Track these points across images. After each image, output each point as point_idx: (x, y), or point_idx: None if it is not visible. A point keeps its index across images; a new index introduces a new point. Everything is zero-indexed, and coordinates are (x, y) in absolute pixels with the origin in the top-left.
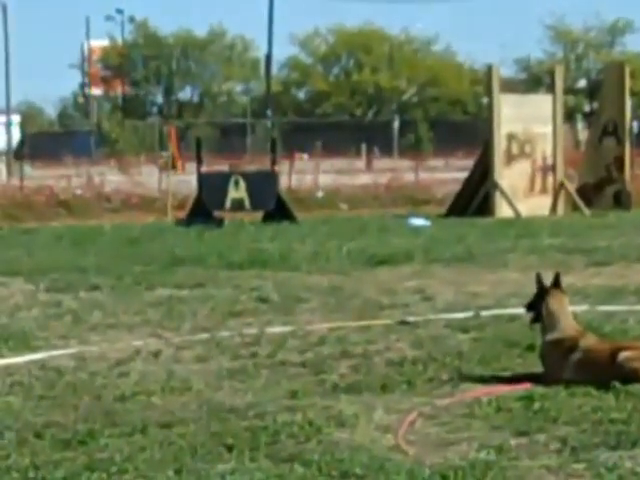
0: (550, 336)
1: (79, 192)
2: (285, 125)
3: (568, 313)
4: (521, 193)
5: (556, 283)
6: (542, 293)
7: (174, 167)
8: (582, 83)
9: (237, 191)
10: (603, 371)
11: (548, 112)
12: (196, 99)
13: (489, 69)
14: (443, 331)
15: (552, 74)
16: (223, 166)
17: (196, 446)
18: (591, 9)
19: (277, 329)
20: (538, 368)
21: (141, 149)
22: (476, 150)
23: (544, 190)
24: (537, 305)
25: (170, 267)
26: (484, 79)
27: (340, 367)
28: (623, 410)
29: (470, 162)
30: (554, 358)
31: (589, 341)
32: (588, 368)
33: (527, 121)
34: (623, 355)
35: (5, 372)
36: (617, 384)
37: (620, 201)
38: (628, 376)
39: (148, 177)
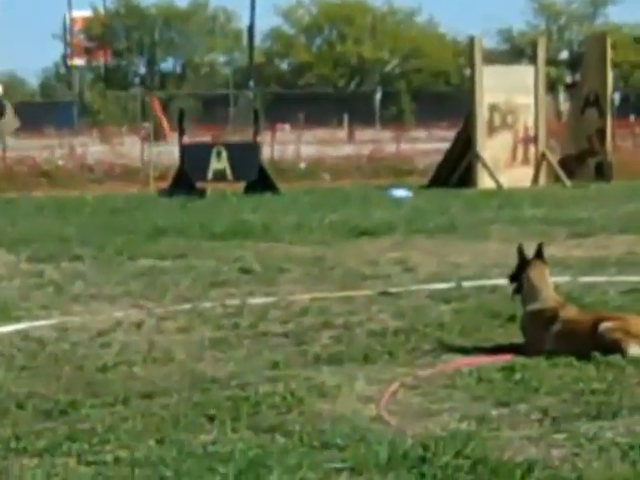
0: (531, 307)
1: (61, 163)
2: (268, 96)
3: (549, 284)
4: (503, 164)
5: (539, 254)
6: (523, 264)
7: (156, 138)
8: (564, 54)
9: (219, 162)
10: (584, 342)
11: (530, 83)
12: (179, 70)
13: (472, 40)
14: (425, 302)
15: (534, 45)
16: (205, 137)
17: (178, 416)
18: None
19: (259, 300)
20: (519, 339)
21: (123, 120)
22: (459, 121)
23: (526, 161)
24: (519, 276)
25: (152, 238)
26: (467, 50)
27: (322, 338)
28: (604, 381)
29: (452, 133)
30: (535, 329)
31: (570, 312)
32: (569, 339)
33: (509, 92)
34: (604, 326)
35: None
36: (598, 355)
37: (602, 172)
38: (609, 347)
39: (130, 148)
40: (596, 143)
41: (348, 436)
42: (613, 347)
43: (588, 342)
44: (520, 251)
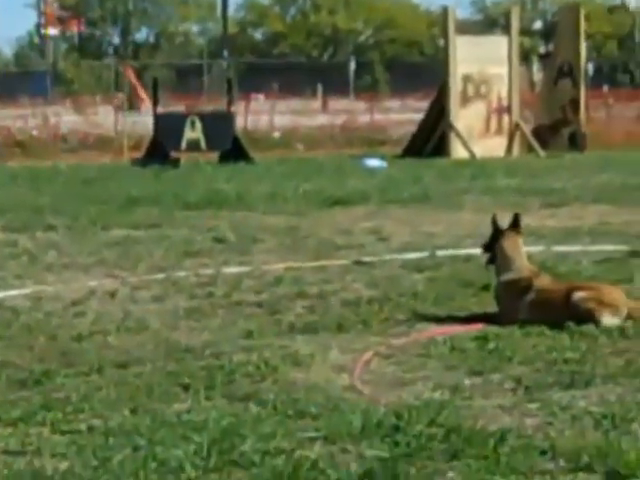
0: (505, 277)
1: (35, 132)
2: (241, 66)
3: (522, 254)
4: (476, 134)
5: (515, 224)
6: (497, 234)
7: (130, 108)
8: (538, 25)
9: (193, 132)
10: (557, 311)
11: (504, 54)
12: (152, 40)
13: (445, 11)
14: (398, 271)
15: (508, 15)
16: (179, 107)
17: (152, 385)
18: None
19: (233, 269)
20: (493, 308)
21: (97, 89)
22: (432, 91)
23: (499, 131)
24: (492, 246)
25: (126, 207)
26: (440, 21)
27: (296, 307)
28: (577, 350)
29: (426, 103)
30: (509, 298)
31: (543, 281)
32: (542, 308)
33: (483, 62)
34: (577, 295)
35: None
36: (571, 324)
37: (575, 142)
38: (582, 316)
39: (104, 117)
40: (569, 113)
41: (322, 405)
42: (586, 316)
43: (562, 311)
44: (494, 221)
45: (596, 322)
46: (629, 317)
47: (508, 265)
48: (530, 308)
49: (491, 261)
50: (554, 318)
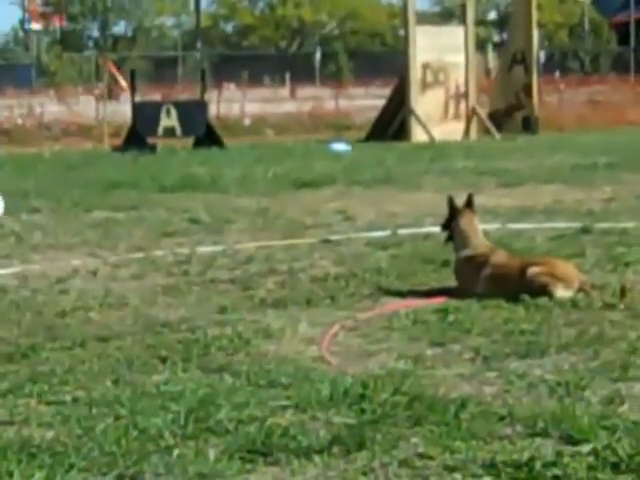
0: (462, 253)
1: (20, 121)
2: (214, 57)
3: (479, 231)
4: (436, 119)
5: (469, 203)
6: (454, 213)
7: (110, 97)
8: (492, 15)
9: (169, 119)
10: (513, 285)
11: (460, 42)
12: (130, 33)
13: (405, 3)
14: (363, 249)
15: (464, 7)
16: (156, 96)
17: (132, 358)
18: None
19: (207, 248)
20: (452, 283)
21: (79, 80)
22: (394, 79)
23: (457, 116)
24: (450, 225)
25: (107, 191)
26: (401, 13)
27: (267, 283)
28: (532, 321)
29: (388, 90)
30: (467, 273)
31: (499, 257)
32: (499, 282)
33: (441, 51)
34: (532, 270)
35: None
36: (526, 297)
37: (528, 126)
38: (536, 290)
39: (85, 107)
40: (523, 98)
41: (292, 375)
42: (541, 290)
43: (517, 285)
44: (450, 201)
45: (550, 295)
46: (580, 290)
47: (466, 242)
48: (487, 282)
49: (450, 238)
50: (510, 292)
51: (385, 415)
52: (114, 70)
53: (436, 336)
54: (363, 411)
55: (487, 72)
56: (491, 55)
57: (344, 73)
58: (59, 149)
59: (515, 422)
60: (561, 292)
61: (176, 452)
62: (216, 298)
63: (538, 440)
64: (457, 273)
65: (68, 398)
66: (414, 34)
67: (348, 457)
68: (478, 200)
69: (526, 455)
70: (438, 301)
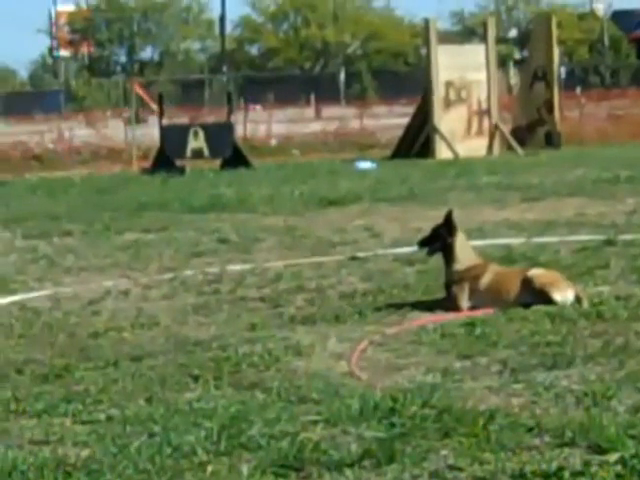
0: (458, 266)
1: (51, 146)
2: (240, 79)
3: (469, 246)
4: (459, 136)
5: (447, 220)
6: (452, 228)
7: (138, 121)
8: (513, 33)
9: (196, 141)
10: (512, 294)
11: (482, 60)
12: (157, 58)
13: (427, 22)
14: (390, 265)
15: (485, 25)
16: (183, 119)
17: (165, 377)
18: None
19: (237, 267)
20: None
21: (107, 105)
22: (417, 97)
23: (480, 132)
24: (439, 237)
25: (136, 213)
26: (422, 32)
27: (296, 300)
28: (558, 333)
29: (411, 109)
30: (464, 285)
31: (496, 268)
32: (498, 292)
33: (463, 69)
34: (532, 273)
35: None
36: (553, 309)
37: (551, 141)
38: (536, 293)
39: (114, 130)
40: (544, 114)
41: (322, 391)
42: (540, 294)
43: (516, 295)
44: (450, 216)
45: (549, 298)
46: (577, 297)
47: (464, 255)
48: (485, 293)
49: (435, 251)
50: (508, 302)
51: (415, 428)
52: (144, 94)
53: (464, 349)
54: (393, 425)
55: (509, 89)
56: (512, 72)
57: (368, 92)
58: (88, 173)
59: (543, 433)
60: (561, 296)
61: (210, 468)
62: (246, 316)
63: (566, 450)
64: (452, 285)
65: (102, 417)
66: (436, 53)
67: (379, 470)
68: (502, 215)
69: (554, 465)
70: (465, 314)
